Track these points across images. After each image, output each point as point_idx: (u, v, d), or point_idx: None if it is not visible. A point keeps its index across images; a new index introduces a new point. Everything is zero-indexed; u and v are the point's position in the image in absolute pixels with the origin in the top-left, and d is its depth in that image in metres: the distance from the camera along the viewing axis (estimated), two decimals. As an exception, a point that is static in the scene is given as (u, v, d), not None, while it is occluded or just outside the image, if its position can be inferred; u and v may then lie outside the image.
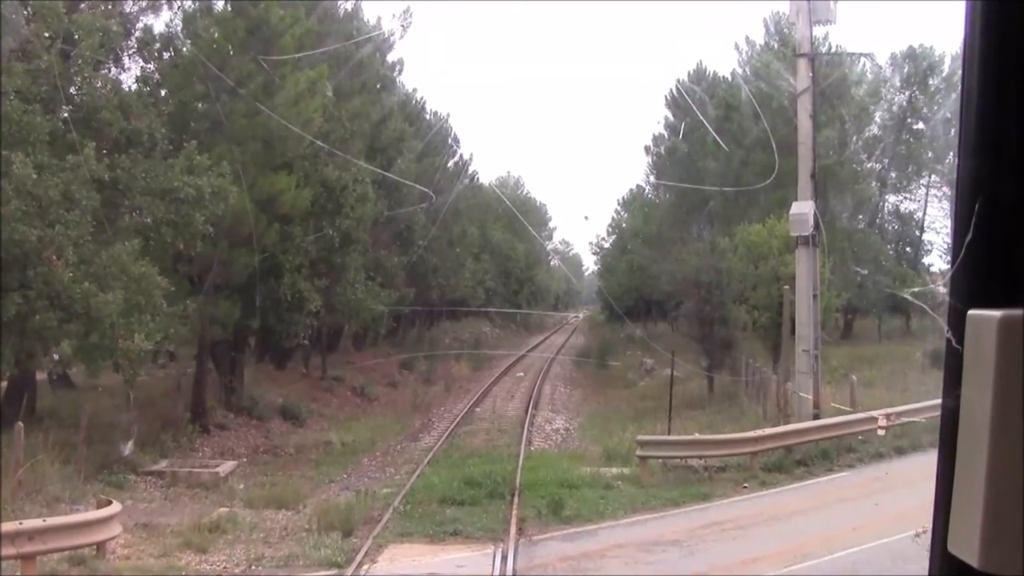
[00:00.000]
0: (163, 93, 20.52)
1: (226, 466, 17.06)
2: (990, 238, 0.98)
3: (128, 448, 19.98)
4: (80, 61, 16.31)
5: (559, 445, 20.41)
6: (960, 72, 1.10)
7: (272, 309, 21.85)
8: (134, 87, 20.15)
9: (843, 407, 17.94)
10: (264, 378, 27.19)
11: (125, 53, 20.44)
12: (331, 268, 25.26)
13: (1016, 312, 0.91)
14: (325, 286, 24.07)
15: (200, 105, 20.38)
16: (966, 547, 0.93)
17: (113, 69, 20.41)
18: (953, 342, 1.00)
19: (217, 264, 19.85)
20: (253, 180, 19.78)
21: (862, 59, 17.89)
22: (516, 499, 14.02)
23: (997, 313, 0.92)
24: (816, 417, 17.93)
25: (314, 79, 20.38)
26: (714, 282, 25.74)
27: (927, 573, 1.11)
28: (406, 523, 12.92)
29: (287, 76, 20.11)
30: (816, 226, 18.25)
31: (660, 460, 15.78)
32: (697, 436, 16.50)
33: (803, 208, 18.01)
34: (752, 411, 21.72)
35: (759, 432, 15.67)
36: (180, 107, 20.26)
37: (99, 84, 18.23)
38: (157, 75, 20.81)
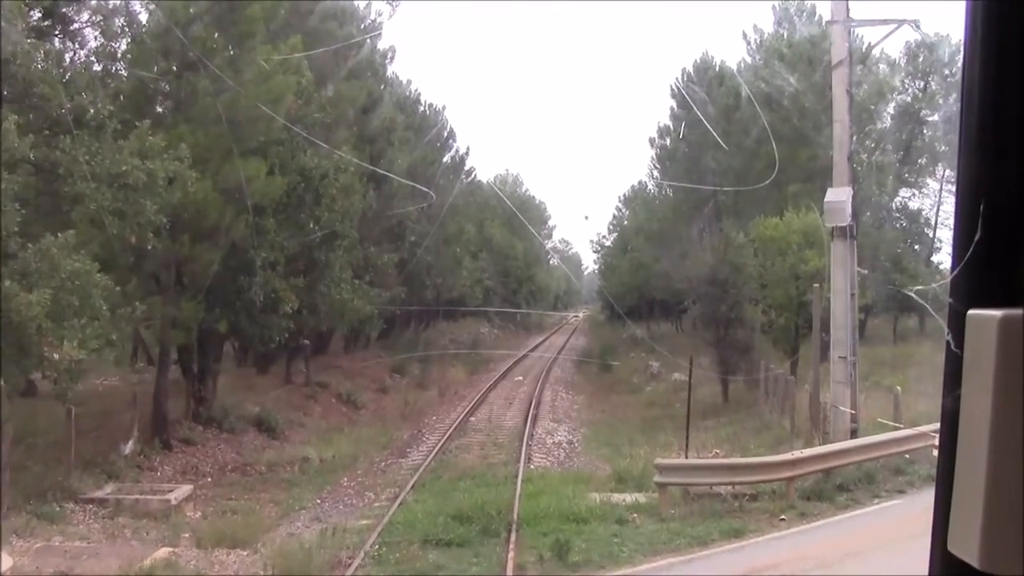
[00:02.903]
0: (118, 70, 18.11)
1: (180, 491, 14.55)
2: (991, 238, 0.95)
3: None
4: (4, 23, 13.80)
5: (562, 463, 17.89)
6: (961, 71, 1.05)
7: (244, 310, 19.32)
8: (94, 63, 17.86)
9: (887, 421, 15.47)
10: (242, 385, 24.67)
11: (80, 24, 18.08)
12: (313, 265, 22.77)
13: (1016, 312, 0.89)
14: (304, 285, 21.57)
15: (161, 83, 17.91)
16: (966, 547, 0.90)
17: (71, 45, 18.18)
18: (952, 343, 0.98)
19: (178, 260, 17.36)
20: (218, 166, 17.31)
21: (903, 26, 15.39)
22: (513, 537, 11.53)
23: (997, 313, 0.90)
24: (854, 433, 15.46)
25: (287, 56, 17.86)
26: (730, 280, 23.25)
27: (927, 573, 1.06)
28: (379, 572, 10.43)
29: (256, 50, 17.62)
30: (854, 216, 15.80)
31: (682, 487, 13.27)
32: (724, 460, 14.03)
33: (839, 195, 15.53)
34: (776, 423, 19.24)
35: (797, 454, 13.15)
36: (138, 84, 17.79)
37: (40, 56, 15.82)
38: (118, 51, 18.37)
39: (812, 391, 16.66)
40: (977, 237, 0.97)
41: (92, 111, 15.11)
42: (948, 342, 1.00)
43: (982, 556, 0.89)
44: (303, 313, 23.10)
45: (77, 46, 18.32)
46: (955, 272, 1.00)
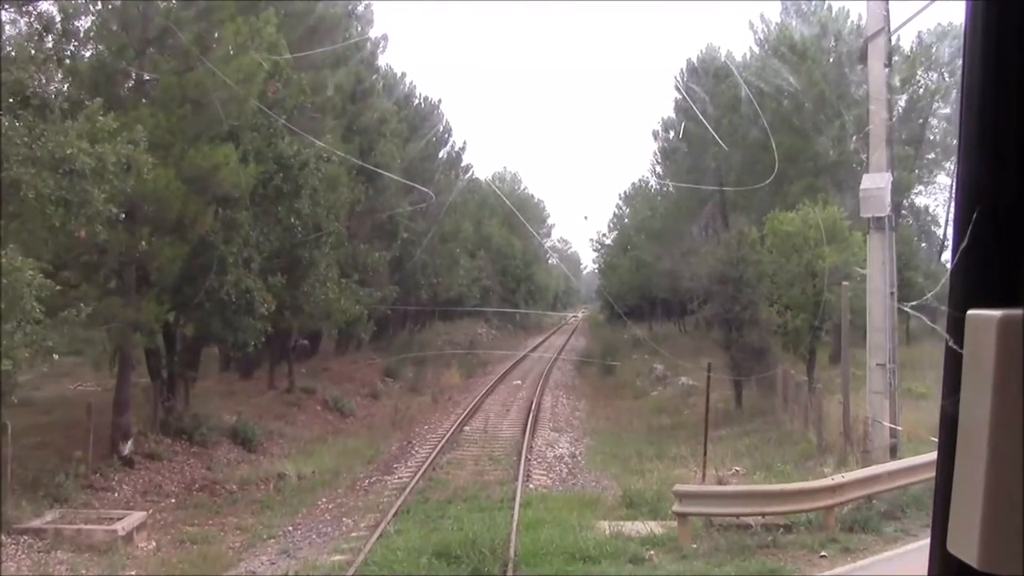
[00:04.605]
0: (76, 47, 16.11)
1: (130, 519, 12.54)
2: (990, 240, 0.94)
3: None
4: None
5: (564, 480, 15.87)
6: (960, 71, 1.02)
7: (216, 312, 17.31)
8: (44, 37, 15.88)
9: (933, 437, 13.45)
10: (221, 391, 22.70)
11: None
12: (296, 263, 20.79)
13: (1016, 312, 0.87)
14: (285, 284, 19.60)
15: (120, 60, 15.90)
16: (965, 547, 0.90)
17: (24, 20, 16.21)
18: (952, 344, 0.96)
19: (138, 257, 15.36)
20: (182, 152, 15.32)
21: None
22: (509, 582, 9.56)
23: (997, 313, 0.88)
24: (894, 449, 13.49)
25: (258, 28, 15.86)
26: (743, 278, 21.26)
27: (927, 573, 1.04)
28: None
29: (225, 24, 15.62)
30: (893, 206, 13.82)
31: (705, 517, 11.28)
32: (753, 487, 12.05)
33: (877, 182, 13.53)
34: (799, 434, 17.24)
35: (838, 478, 11.14)
36: (95, 62, 15.80)
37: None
38: (80, 27, 16.38)
39: (844, 401, 14.67)
40: (976, 237, 0.93)
41: (33, 89, 13.21)
42: (947, 343, 0.96)
43: (981, 556, 0.87)
44: (285, 314, 21.20)
45: (31, 20, 16.42)
46: (954, 272, 0.97)
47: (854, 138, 35.16)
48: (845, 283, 15.83)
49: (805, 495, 10.95)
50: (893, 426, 13.29)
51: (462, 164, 43.69)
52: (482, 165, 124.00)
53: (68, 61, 15.25)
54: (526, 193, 70.74)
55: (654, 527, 11.64)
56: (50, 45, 15.74)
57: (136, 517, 12.73)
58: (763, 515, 10.96)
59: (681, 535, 10.94)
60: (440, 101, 39.83)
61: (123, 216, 14.38)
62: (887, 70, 13.76)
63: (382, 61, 32.15)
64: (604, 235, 61.50)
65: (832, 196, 26.18)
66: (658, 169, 42.21)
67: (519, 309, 56.89)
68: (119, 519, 12.57)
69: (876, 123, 13.78)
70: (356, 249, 25.93)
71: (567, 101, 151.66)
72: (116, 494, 14.95)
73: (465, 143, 60.05)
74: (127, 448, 16.96)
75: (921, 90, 36.93)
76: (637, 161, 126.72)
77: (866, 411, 14.59)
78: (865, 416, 13.53)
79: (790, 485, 11.46)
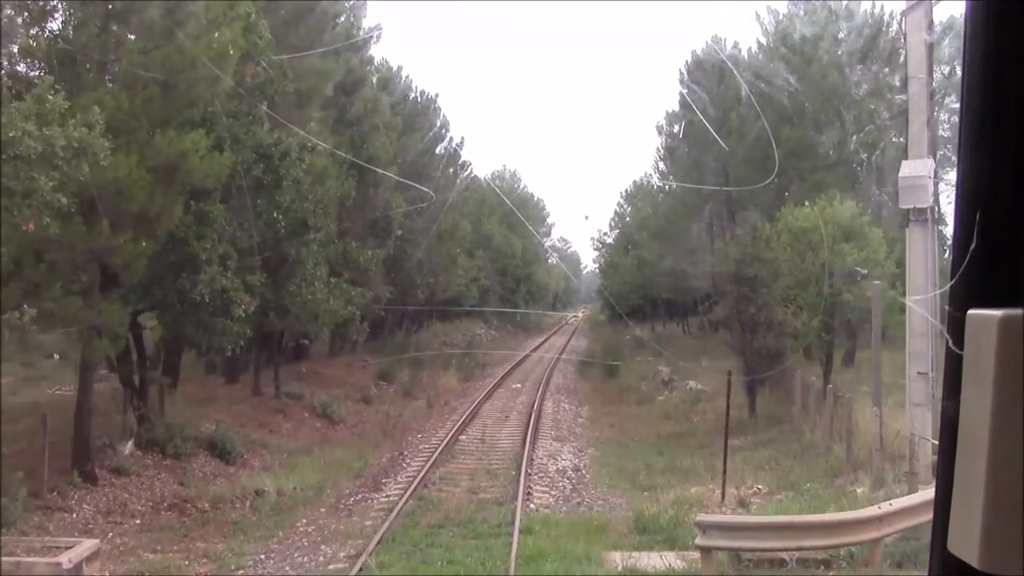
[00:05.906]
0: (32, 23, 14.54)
1: (79, 549, 10.93)
2: (990, 240, 0.91)
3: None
4: None
5: (568, 499, 14.27)
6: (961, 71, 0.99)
7: (190, 313, 15.77)
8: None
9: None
10: (203, 397, 21.09)
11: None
12: (281, 261, 19.26)
13: (1016, 312, 0.86)
14: (269, 283, 18.06)
15: (80, 37, 14.32)
16: (966, 547, 0.88)
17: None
18: (953, 345, 0.93)
19: (98, 253, 13.76)
20: (147, 138, 13.75)
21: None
22: (507, 634, 7.99)
23: (997, 313, 0.86)
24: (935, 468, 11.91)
25: (231, 3, 14.28)
26: (758, 277, 19.70)
27: (927, 573, 1.02)
28: None
29: (195, -2, 14.05)
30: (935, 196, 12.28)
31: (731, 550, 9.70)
32: (787, 517, 10.47)
33: (918, 169, 11.99)
34: (823, 447, 15.65)
35: (885, 507, 9.55)
36: (56, 39, 14.23)
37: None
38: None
39: (879, 412, 13.09)
40: (976, 239, 0.92)
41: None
42: (947, 344, 0.94)
43: (982, 556, 0.86)
44: (270, 315, 19.66)
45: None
46: (955, 273, 0.95)
47: (853, 137, 33.78)
48: (877, 282, 14.28)
49: (847, 527, 9.38)
50: (931, 441, 11.72)
51: (460, 161, 42.13)
52: (481, 163, 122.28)
53: (23, 39, 13.71)
54: (526, 192, 69.18)
55: (673, 560, 10.08)
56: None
57: (87, 546, 11.11)
58: (799, 549, 9.39)
59: (705, 571, 9.38)
60: (437, 96, 38.24)
61: (80, 207, 12.84)
62: (928, 44, 12.18)
63: (376, 53, 30.66)
64: (605, 234, 60.12)
65: (840, 193, 24.76)
66: (661, 166, 40.62)
67: (518, 309, 55.37)
68: (67, 548, 10.95)
69: (916, 102, 12.25)
70: (348, 247, 24.38)
71: (568, 97, 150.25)
72: (75, 515, 13.37)
73: (463, 139, 58.48)
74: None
75: (935, 84, 35.36)
76: (639, 159, 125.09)
77: (899, 424, 13.09)
78: (910, 432, 11.94)
79: (829, 516, 9.89)
